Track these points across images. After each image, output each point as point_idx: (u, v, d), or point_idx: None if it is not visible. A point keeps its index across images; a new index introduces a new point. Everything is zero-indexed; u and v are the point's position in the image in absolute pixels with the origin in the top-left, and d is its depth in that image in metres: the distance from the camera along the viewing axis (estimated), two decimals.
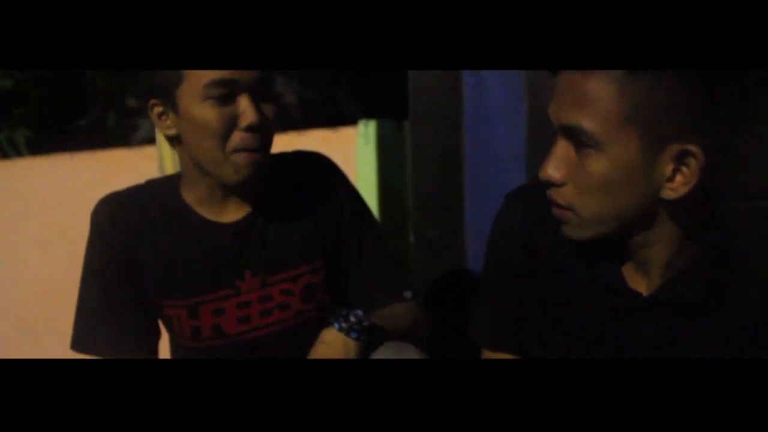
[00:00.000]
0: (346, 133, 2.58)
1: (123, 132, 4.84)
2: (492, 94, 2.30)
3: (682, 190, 0.96)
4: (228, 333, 1.30)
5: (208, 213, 1.29)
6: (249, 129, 1.17)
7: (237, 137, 1.17)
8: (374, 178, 2.73)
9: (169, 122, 1.22)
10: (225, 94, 1.16)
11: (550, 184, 1.01)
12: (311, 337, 1.25)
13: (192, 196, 1.29)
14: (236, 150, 1.18)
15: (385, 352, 1.24)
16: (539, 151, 2.24)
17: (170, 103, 1.20)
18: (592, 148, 0.94)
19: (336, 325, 1.22)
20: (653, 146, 0.94)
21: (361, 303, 1.31)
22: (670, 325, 1.04)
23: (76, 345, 1.32)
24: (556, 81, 0.98)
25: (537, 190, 1.16)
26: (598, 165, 0.95)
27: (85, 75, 4.41)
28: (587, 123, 0.93)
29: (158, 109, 1.23)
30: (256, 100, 1.18)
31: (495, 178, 2.27)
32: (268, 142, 1.23)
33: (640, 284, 1.06)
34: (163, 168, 1.55)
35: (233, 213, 1.29)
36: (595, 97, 0.92)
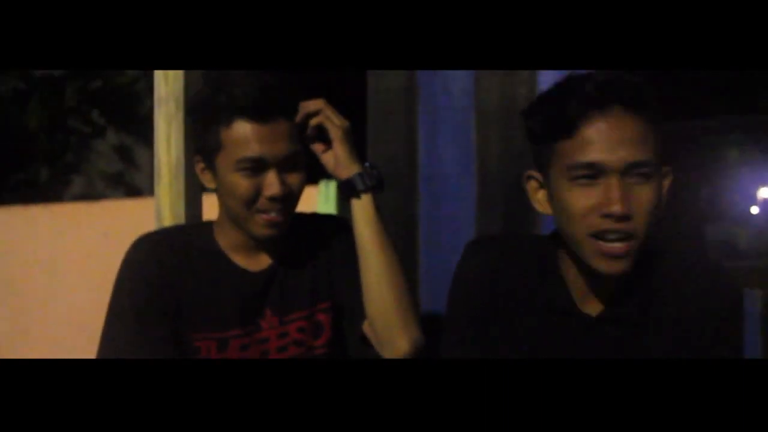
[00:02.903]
0: (306, 192, 2.63)
1: (57, 187, 4.83)
2: (445, 158, 2.49)
3: (662, 209, 1.16)
4: None
5: (239, 259, 1.45)
6: (271, 199, 1.36)
7: (262, 202, 1.36)
8: None
9: (208, 178, 1.43)
10: (255, 168, 1.35)
11: (622, 217, 1.13)
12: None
13: (225, 242, 1.46)
14: (259, 212, 1.36)
15: None
16: (488, 211, 2.45)
17: (210, 164, 1.40)
18: (648, 177, 1.13)
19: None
20: (662, 171, 1.16)
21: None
22: (616, 342, 1.21)
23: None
24: (593, 128, 1.13)
25: (494, 239, 1.35)
26: (651, 193, 1.14)
27: (27, 131, 4.42)
28: (648, 157, 1.13)
29: (201, 165, 1.43)
30: (283, 173, 1.35)
31: (448, 237, 2.44)
32: (291, 207, 1.41)
33: (588, 306, 1.23)
34: (161, 217, 1.67)
35: (260, 262, 1.46)
36: (646, 135, 1.13)
